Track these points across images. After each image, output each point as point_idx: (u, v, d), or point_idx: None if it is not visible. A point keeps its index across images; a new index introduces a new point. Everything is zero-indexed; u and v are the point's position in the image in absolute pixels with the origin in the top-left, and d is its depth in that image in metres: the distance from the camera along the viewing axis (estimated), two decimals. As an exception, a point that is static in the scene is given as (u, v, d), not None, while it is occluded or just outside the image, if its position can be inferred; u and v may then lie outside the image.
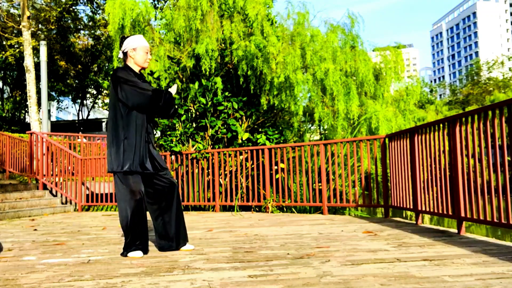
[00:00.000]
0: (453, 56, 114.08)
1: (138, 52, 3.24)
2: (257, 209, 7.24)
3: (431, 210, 4.24)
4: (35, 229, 5.11)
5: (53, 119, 35.18)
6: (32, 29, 19.22)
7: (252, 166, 7.44)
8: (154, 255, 3.13)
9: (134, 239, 3.12)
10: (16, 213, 6.83)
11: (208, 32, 8.54)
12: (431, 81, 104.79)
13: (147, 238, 3.20)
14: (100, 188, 8.08)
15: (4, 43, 19.60)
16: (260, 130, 8.99)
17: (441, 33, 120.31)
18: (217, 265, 2.72)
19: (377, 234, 3.88)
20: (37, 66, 14.95)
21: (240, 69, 8.58)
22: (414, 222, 4.60)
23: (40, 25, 20.95)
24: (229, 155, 7.36)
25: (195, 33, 8.85)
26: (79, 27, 22.60)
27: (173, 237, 3.28)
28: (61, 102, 29.36)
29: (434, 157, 4.14)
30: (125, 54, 3.29)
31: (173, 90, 3.31)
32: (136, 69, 3.29)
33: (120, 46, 3.32)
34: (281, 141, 8.46)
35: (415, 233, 3.85)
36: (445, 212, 3.95)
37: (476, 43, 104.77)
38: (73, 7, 20.57)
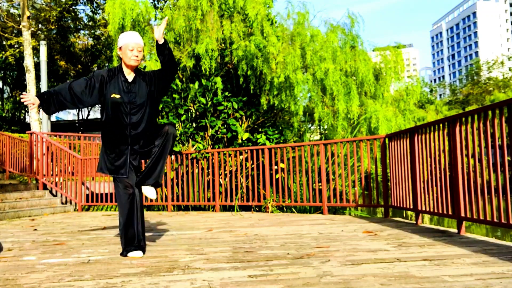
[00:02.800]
0: (453, 56, 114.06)
1: (123, 51, 3.12)
2: (257, 209, 7.24)
3: (431, 210, 4.24)
4: (35, 229, 5.11)
5: (53, 119, 35.15)
6: (32, 29, 19.21)
7: (252, 166, 7.45)
8: (154, 255, 3.13)
9: (132, 238, 3.12)
10: (16, 213, 6.83)
11: (208, 32, 8.55)
12: (431, 81, 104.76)
13: (142, 238, 3.19)
14: (100, 188, 8.08)
15: (4, 43, 19.61)
16: (260, 130, 8.99)
17: (441, 33, 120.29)
18: (217, 265, 2.72)
19: (377, 234, 3.88)
20: (37, 66, 14.95)
21: (240, 69, 8.58)
22: (414, 222, 4.60)
23: (40, 25, 20.95)
24: (229, 155, 7.36)
25: (195, 33, 8.86)
26: (79, 27, 22.60)
27: (143, 173, 3.19)
28: (61, 102, 29.33)
29: (434, 157, 4.14)
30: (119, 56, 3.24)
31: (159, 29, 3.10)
32: (126, 69, 3.15)
33: None
34: (281, 141, 8.46)
35: (415, 233, 3.85)
36: (445, 212, 3.95)
37: (476, 43, 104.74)
38: (73, 7, 20.57)
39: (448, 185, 3.94)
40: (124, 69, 3.17)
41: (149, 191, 3.19)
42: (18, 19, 20.18)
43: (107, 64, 25.21)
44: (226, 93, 8.49)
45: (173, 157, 7.68)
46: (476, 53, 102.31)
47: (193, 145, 8.11)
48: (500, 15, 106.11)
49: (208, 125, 8.37)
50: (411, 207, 4.71)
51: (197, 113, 8.71)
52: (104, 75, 3.14)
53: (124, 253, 3.12)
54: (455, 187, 3.71)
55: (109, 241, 3.92)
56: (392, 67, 10.80)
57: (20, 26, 13.85)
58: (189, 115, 8.71)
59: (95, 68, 25.42)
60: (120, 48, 3.14)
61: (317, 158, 7.09)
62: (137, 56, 3.11)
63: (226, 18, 8.99)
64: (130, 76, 3.17)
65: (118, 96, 3.08)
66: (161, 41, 3.10)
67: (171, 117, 8.31)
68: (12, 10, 20.79)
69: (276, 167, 7.20)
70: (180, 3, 9.13)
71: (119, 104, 3.08)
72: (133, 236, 3.12)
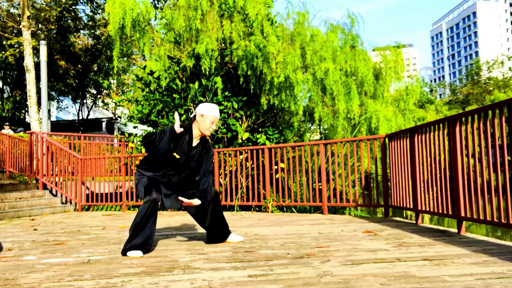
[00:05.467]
0: (453, 55, 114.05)
1: (203, 120, 3.32)
2: (257, 209, 7.24)
3: (431, 210, 4.24)
4: (35, 229, 5.11)
5: (53, 119, 35.16)
6: (32, 29, 19.23)
7: (252, 166, 7.44)
8: (154, 255, 3.13)
9: (134, 237, 3.13)
10: (16, 213, 6.83)
11: (208, 32, 8.54)
12: (431, 81, 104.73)
13: (148, 240, 3.21)
14: (100, 188, 8.08)
15: (4, 43, 19.61)
16: (260, 130, 8.99)
17: (441, 32, 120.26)
18: (217, 264, 2.72)
19: (377, 234, 3.88)
20: (37, 66, 14.96)
21: (240, 69, 8.57)
22: (414, 222, 4.60)
23: (40, 25, 20.95)
24: (229, 155, 7.36)
25: (195, 33, 8.85)
26: (79, 27, 22.60)
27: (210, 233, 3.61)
28: (61, 102, 29.36)
29: (434, 157, 4.13)
30: (194, 116, 3.40)
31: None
32: (196, 133, 3.36)
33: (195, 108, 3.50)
34: (281, 141, 8.46)
35: (415, 233, 3.85)
36: (445, 212, 3.95)
37: (476, 43, 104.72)
38: (73, 7, 20.57)
39: (448, 185, 3.94)
40: (193, 131, 3.37)
41: (234, 239, 3.67)
42: (18, 19, 20.19)
43: (107, 64, 25.19)
44: (226, 93, 8.49)
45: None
46: (476, 53, 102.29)
47: (193, 145, 8.11)
48: (500, 15, 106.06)
49: (208, 125, 8.36)
50: (411, 207, 4.71)
51: (197, 113, 8.70)
52: (178, 132, 3.26)
53: (124, 253, 3.12)
54: (455, 187, 3.71)
55: (109, 241, 3.92)
56: (392, 67, 10.80)
57: (20, 26, 13.86)
58: (189, 115, 8.71)
59: (95, 68, 25.41)
60: (202, 115, 3.32)
61: (317, 158, 7.09)
62: (213, 129, 3.48)
63: (226, 18, 8.98)
64: (196, 140, 3.39)
65: (178, 156, 3.28)
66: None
67: (171, 117, 8.31)
68: (12, 10, 20.81)
69: (276, 167, 7.20)
70: (180, 3, 9.12)
71: (174, 160, 3.28)
72: (137, 236, 3.15)
